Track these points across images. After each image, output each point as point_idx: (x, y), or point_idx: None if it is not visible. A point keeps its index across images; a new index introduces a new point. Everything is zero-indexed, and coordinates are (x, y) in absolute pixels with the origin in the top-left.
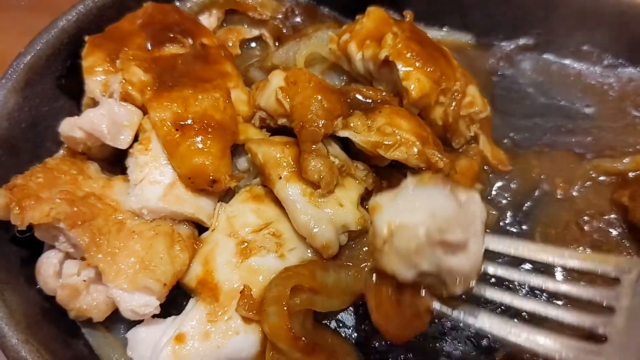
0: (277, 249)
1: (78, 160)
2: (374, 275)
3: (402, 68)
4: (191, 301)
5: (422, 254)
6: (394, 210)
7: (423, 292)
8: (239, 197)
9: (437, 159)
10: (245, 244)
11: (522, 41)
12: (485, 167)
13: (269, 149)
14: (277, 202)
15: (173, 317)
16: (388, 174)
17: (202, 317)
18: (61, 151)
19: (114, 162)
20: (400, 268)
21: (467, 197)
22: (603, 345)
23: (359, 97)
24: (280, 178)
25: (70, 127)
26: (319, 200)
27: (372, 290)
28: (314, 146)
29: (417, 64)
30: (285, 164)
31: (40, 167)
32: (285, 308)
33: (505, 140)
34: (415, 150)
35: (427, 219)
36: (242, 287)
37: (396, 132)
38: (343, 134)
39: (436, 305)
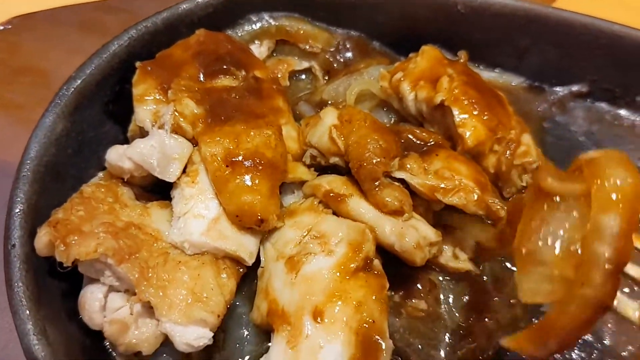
0: (322, 248)
1: (113, 185)
2: None
3: (458, 115)
4: (272, 338)
5: None
6: None
7: None
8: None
9: (498, 207)
10: (294, 258)
11: (575, 87)
12: None
13: (334, 178)
14: (312, 210)
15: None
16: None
17: (284, 347)
18: (100, 174)
19: (151, 189)
20: None
21: None
22: None
23: (412, 137)
24: (352, 196)
25: (119, 157)
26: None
27: None
28: (375, 183)
29: (474, 112)
30: (352, 186)
31: (78, 197)
32: None
33: None
34: (475, 196)
35: None
36: (305, 299)
37: (455, 177)
38: (399, 175)
39: None
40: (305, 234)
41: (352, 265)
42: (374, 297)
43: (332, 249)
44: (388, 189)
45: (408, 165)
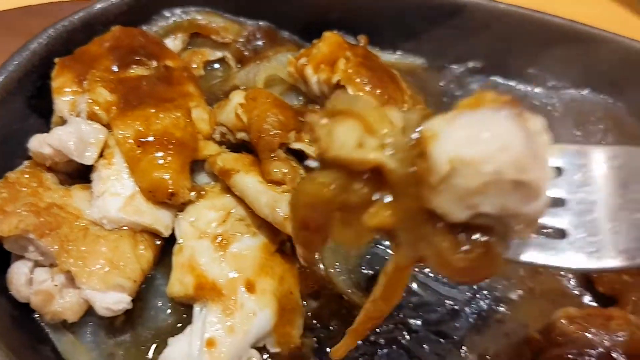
0: (248, 229)
1: (37, 172)
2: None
3: (352, 92)
4: (195, 310)
5: (485, 194)
6: (454, 140)
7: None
8: (190, 203)
9: None
10: (220, 237)
11: (471, 64)
12: None
13: (228, 155)
14: (226, 192)
15: (188, 327)
16: None
17: (219, 315)
18: (25, 162)
19: (77, 176)
20: (455, 208)
21: (537, 126)
22: (565, 240)
23: None
24: (239, 172)
25: (39, 144)
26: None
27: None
28: (272, 154)
29: (367, 88)
30: (242, 164)
31: (3, 182)
32: None
33: None
34: None
35: (496, 153)
36: (237, 274)
37: None
38: (296, 145)
39: None
40: (227, 215)
41: (273, 246)
42: (291, 273)
43: (256, 232)
44: (279, 161)
45: (307, 140)
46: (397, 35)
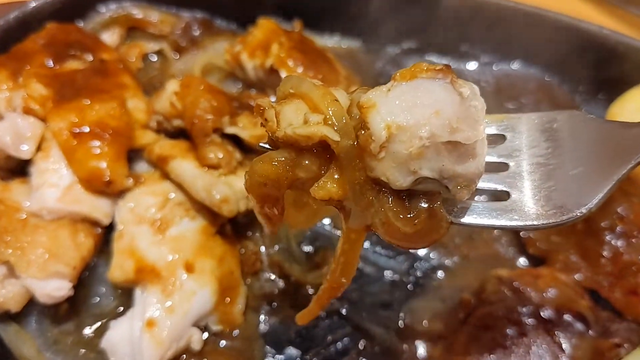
0: (187, 213)
1: None
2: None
3: (284, 75)
4: (136, 293)
5: (423, 158)
6: (390, 108)
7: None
8: (129, 190)
9: None
10: (158, 221)
11: (406, 45)
12: None
13: (165, 142)
14: (164, 178)
15: (130, 310)
16: None
17: (159, 296)
18: None
19: (20, 171)
20: (397, 175)
21: (470, 91)
22: (509, 201)
23: (250, 102)
24: (175, 158)
25: None
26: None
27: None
28: (207, 139)
29: (299, 70)
30: (178, 150)
31: None
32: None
33: None
34: None
35: (431, 118)
36: (176, 256)
37: None
38: (230, 130)
39: None
40: (166, 200)
41: (212, 228)
42: (231, 254)
43: (195, 215)
44: (214, 146)
45: (240, 124)
46: (333, 19)
